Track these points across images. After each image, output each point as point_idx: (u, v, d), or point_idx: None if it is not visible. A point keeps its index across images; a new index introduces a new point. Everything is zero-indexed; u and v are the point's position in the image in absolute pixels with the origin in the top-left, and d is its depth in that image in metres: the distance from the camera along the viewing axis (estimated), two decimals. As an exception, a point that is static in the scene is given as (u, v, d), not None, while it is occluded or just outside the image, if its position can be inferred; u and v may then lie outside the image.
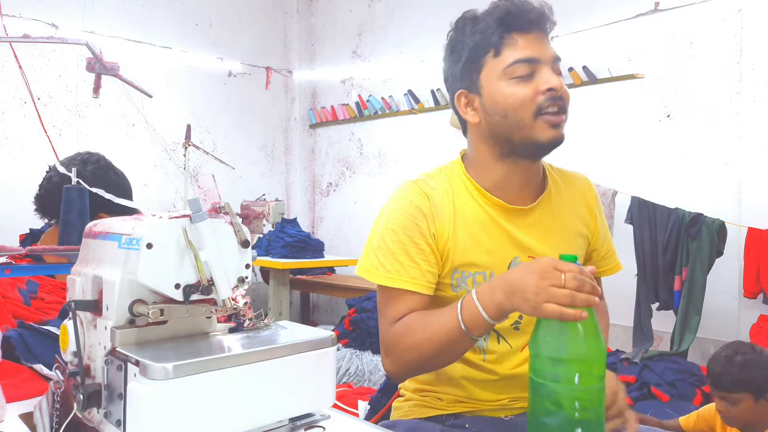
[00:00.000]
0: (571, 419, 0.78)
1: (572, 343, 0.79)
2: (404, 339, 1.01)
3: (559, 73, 1.05)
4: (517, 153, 1.06)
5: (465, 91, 1.09)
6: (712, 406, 1.88)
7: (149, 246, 0.72)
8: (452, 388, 1.14)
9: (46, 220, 1.73)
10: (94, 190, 1.49)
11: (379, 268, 1.06)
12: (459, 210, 1.08)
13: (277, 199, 3.98)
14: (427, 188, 1.10)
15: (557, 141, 1.03)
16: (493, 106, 1.04)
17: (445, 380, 1.14)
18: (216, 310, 0.78)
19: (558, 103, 1.01)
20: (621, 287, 3.40)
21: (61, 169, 1.54)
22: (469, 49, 1.06)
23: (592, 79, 3.25)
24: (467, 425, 1.10)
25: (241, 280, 0.80)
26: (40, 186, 1.70)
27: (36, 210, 1.70)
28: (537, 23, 1.03)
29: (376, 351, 3.33)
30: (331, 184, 5.17)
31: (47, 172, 1.72)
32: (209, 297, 0.77)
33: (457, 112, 1.13)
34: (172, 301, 0.75)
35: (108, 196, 1.51)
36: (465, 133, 1.16)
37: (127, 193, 1.66)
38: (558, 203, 1.14)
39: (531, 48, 1.02)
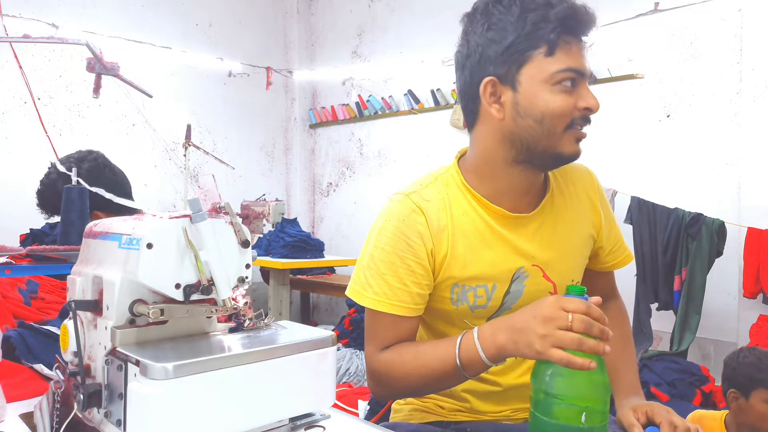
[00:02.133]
0: None
1: (578, 382, 0.76)
2: (393, 368, 0.99)
3: None
4: (533, 162, 1.00)
5: (496, 80, 0.96)
6: (717, 413, 1.87)
7: (149, 246, 0.72)
8: (454, 400, 1.13)
9: (46, 216, 1.74)
10: (94, 189, 1.49)
11: (367, 289, 1.02)
12: (457, 222, 1.02)
13: (277, 199, 3.98)
14: (421, 201, 1.02)
15: (576, 156, 0.99)
16: (529, 107, 0.95)
17: (446, 392, 1.13)
18: (216, 310, 0.78)
19: (586, 123, 0.98)
20: (620, 287, 3.36)
21: (61, 168, 1.54)
22: (516, 35, 0.93)
23: (592, 79, 3.24)
24: (468, 430, 1.10)
25: (242, 280, 0.80)
26: (40, 181, 1.72)
27: (37, 205, 1.72)
28: (587, 33, 0.97)
29: (376, 351, 3.32)
30: (331, 184, 5.17)
31: (48, 168, 1.73)
32: (209, 297, 0.77)
33: (472, 99, 1.01)
34: (172, 301, 0.75)
35: (108, 196, 1.52)
36: (471, 127, 1.05)
37: (125, 192, 1.66)
38: (561, 206, 1.09)
39: (581, 58, 0.95)
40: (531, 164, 1.01)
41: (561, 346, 0.77)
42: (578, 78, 0.95)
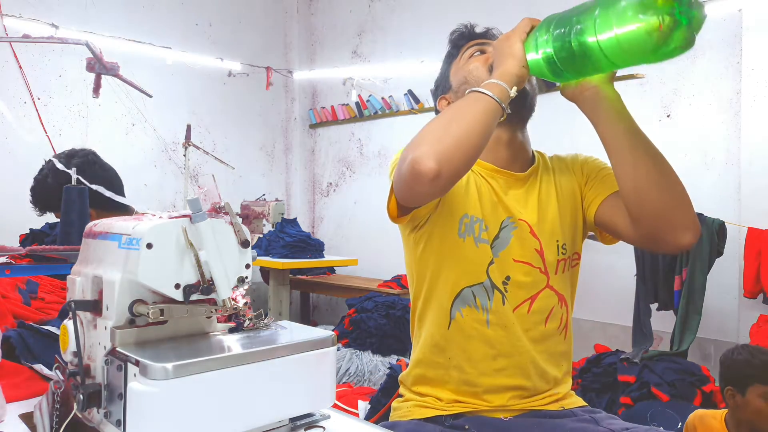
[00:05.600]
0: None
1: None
2: (426, 127, 0.98)
3: None
4: None
5: (443, 95, 1.27)
6: (718, 412, 1.87)
7: (149, 246, 0.72)
8: (454, 372, 1.14)
9: (38, 213, 1.75)
10: (94, 187, 1.48)
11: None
12: None
13: (277, 199, 3.97)
14: None
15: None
16: (458, 83, 1.22)
17: (444, 361, 1.14)
18: (216, 310, 0.78)
19: None
20: (621, 287, 3.41)
21: (59, 166, 1.54)
22: (442, 70, 1.29)
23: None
24: (466, 426, 1.10)
25: (241, 280, 0.79)
26: (34, 178, 1.72)
27: (30, 202, 1.72)
28: (483, 36, 1.24)
29: (376, 351, 3.33)
30: (331, 184, 5.17)
31: (42, 165, 1.74)
32: (209, 297, 0.77)
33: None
34: (172, 301, 0.75)
35: (98, 189, 1.51)
36: None
37: (116, 189, 1.65)
38: (545, 176, 1.21)
39: (480, 40, 1.23)
40: None
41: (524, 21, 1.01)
42: (485, 46, 1.21)
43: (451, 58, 1.27)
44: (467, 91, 1.00)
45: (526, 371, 1.13)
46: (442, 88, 1.28)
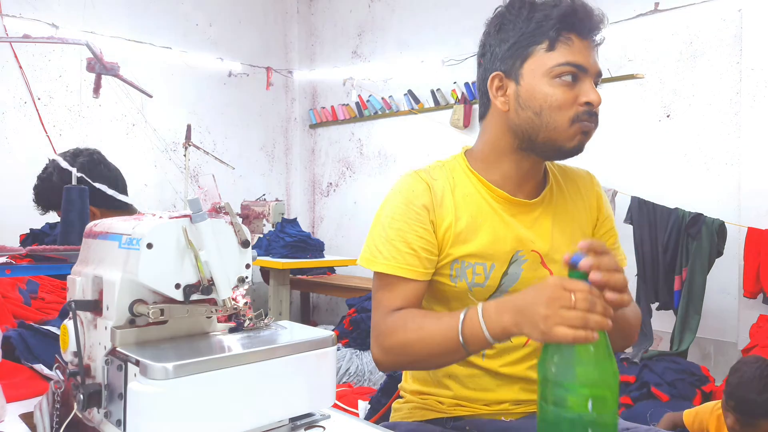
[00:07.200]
0: None
1: (585, 367, 0.75)
2: (397, 334, 1.00)
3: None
4: (534, 150, 1.05)
5: (502, 75, 1.04)
6: (709, 405, 1.88)
7: (149, 246, 0.72)
8: (452, 388, 1.13)
9: (41, 212, 1.74)
10: (96, 185, 1.48)
11: (378, 255, 1.06)
12: (460, 202, 1.07)
13: (277, 199, 3.98)
14: (429, 178, 1.09)
15: (577, 151, 1.03)
16: (529, 99, 1.01)
17: (443, 379, 1.14)
18: (216, 310, 0.78)
19: (592, 118, 1.01)
20: (621, 287, 3.38)
21: (64, 165, 1.54)
22: (521, 33, 1.01)
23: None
24: (468, 428, 1.10)
25: (241, 280, 0.80)
26: (37, 177, 1.72)
27: (33, 200, 1.72)
28: (595, 32, 1.02)
29: (376, 351, 3.32)
30: (331, 184, 5.17)
31: (47, 164, 1.73)
32: (209, 297, 0.77)
33: (484, 93, 1.09)
34: (172, 301, 0.75)
35: (103, 188, 1.51)
36: (482, 118, 1.12)
37: (119, 188, 1.65)
38: (560, 201, 1.14)
39: (584, 55, 0.99)
40: (532, 151, 1.06)
41: (565, 324, 0.75)
42: (579, 73, 0.99)
43: (542, 38, 0.99)
44: (461, 319, 0.90)
45: (529, 387, 1.13)
46: (507, 64, 1.03)
